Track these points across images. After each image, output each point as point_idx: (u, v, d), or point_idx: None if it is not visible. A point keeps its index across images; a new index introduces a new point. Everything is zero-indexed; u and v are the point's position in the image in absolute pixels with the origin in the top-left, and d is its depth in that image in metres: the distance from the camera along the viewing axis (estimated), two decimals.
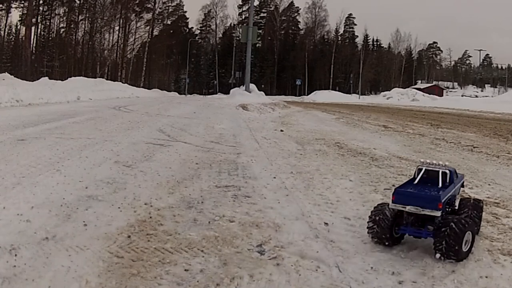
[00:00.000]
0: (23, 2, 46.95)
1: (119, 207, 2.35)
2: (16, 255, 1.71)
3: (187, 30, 61.83)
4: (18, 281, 1.54)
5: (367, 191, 3.01)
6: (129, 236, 1.96)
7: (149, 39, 54.82)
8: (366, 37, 63.88)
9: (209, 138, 5.35)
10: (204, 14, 61.85)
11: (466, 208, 2.13)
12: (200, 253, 1.84)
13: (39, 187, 2.63)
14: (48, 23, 51.26)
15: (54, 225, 2.04)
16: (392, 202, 1.95)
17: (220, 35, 62.70)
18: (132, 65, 53.73)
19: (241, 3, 61.46)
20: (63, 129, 5.33)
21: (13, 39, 52.17)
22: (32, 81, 17.28)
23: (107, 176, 3.00)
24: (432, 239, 1.86)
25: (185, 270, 1.69)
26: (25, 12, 45.58)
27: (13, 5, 48.04)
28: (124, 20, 52.73)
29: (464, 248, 1.84)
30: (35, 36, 49.16)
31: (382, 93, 51.01)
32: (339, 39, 62.67)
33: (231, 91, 20.71)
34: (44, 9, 50.73)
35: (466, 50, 71.15)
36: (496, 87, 63.70)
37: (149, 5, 56.10)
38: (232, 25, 62.27)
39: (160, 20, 58.00)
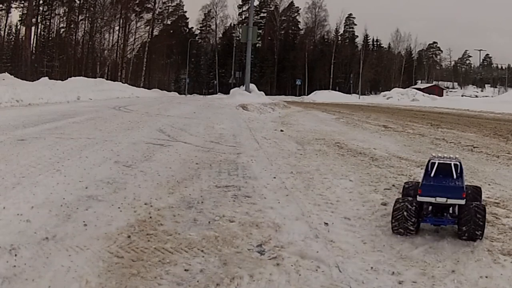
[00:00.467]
0: (23, 2, 46.96)
1: (119, 207, 2.35)
2: (16, 255, 1.71)
3: (187, 30, 61.84)
4: (18, 281, 1.54)
5: (367, 191, 3.01)
6: (129, 236, 1.96)
7: (149, 39, 54.84)
8: (366, 37, 63.91)
9: (209, 138, 5.35)
10: (204, 14, 61.89)
11: (473, 194, 2.33)
12: (200, 253, 1.84)
13: (39, 187, 2.63)
14: (48, 23, 51.28)
15: (54, 225, 2.04)
16: (419, 195, 2.12)
17: (220, 35, 62.74)
18: (132, 65, 53.75)
19: (241, 3, 61.49)
20: (63, 129, 5.33)
21: (13, 39, 52.19)
22: (32, 81, 17.28)
23: (107, 176, 3.00)
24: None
25: (185, 270, 1.69)
26: (25, 12, 45.59)
27: (13, 5, 48.07)
28: (124, 20, 52.74)
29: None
30: (35, 36, 49.18)
31: (382, 93, 51.03)
32: (339, 39, 62.70)
33: (231, 91, 20.72)
34: (44, 9, 50.76)
35: (466, 50, 71.19)
36: (496, 87, 63.69)
37: (149, 5, 56.14)
38: (232, 25, 62.30)
39: (160, 20, 58.03)
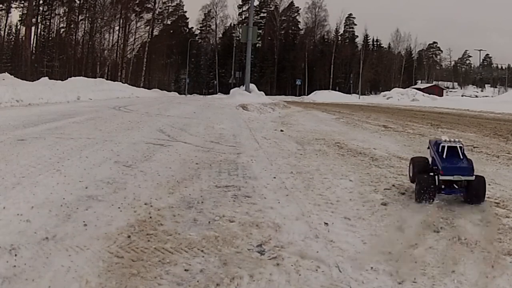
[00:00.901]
0: (23, 2, 46.99)
1: (119, 207, 2.35)
2: (16, 255, 1.71)
3: (187, 30, 61.86)
4: (18, 281, 1.54)
5: (367, 191, 3.01)
6: (129, 236, 1.96)
7: (149, 39, 54.85)
8: (366, 37, 63.93)
9: (209, 138, 5.35)
10: (204, 14, 61.91)
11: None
12: (200, 253, 1.84)
13: (39, 187, 2.63)
14: (48, 23, 51.29)
15: (54, 225, 2.04)
16: (442, 175, 2.66)
17: (220, 35, 62.75)
18: (132, 65, 53.76)
19: (241, 3, 61.52)
20: (63, 129, 5.33)
21: (13, 39, 52.20)
22: (32, 81, 17.29)
23: (107, 176, 3.00)
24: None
25: (185, 270, 1.69)
26: (25, 12, 45.64)
27: (13, 5, 48.09)
28: (124, 20, 52.76)
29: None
30: (35, 36, 49.21)
31: (382, 93, 51.05)
32: (339, 39, 62.72)
33: (231, 91, 20.74)
34: (44, 9, 50.78)
35: (466, 50, 71.15)
36: (496, 87, 63.69)
37: (149, 5, 56.17)
38: (232, 25, 62.32)
39: (160, 20, 58.06)
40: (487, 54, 70.04)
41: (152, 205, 2.42)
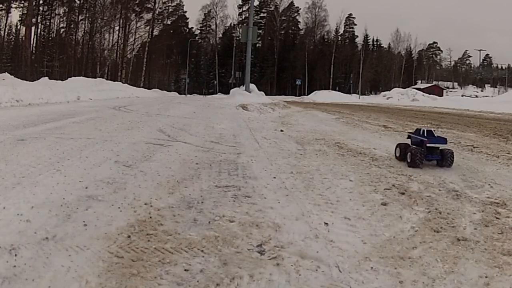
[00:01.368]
0: (23, 2, 46.98)
1: (119, 207, 2.35)
2: (16, 255, 1.71)
3: (187, 30, 61.87)
4: (18, 281, 1.54)
5: (367, 191, 3.01)
6: (129, 236, 1.96)
7: (149, 39, 54.84)
8: (366, 37, 63.96)
9: (209, 138, 5.35)
10: (204, 14, 61.93)
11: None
12: (200, 253, 1.84)
13: (39, 187, 2.63)
14: (48, 23, 51.29)
15: (54, 225, 2.04)
16: (428, 144, 3.96)
17: (220, 35, 62.77)
18: (132, 65, 53.75)
19: (241, 3, 61.53)
20: (63, 129, 5.33)
21: (13, 39, 52.21)
22: (32, 81, 17.27)
23: (107, 176, 2.99)
24: None
25: (185, 270, 1.69)
26: (25, 12, 45.61)
27: (13, 5, 48.07)
28: (124, 20, 52.75)
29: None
30: (35, 36, 49.19)
31: (382, 93, 51.03)
32: (339, 39, 62.73)
33: (231, 91, 20.73)
34: (44, 9, 50.77)
35: (466, 50, 71.23)
36: (496, 87, 63.70)
37: (149, 5, 56.16)
38: (232, 25, 62.33)
39: (160, 20, 58.05)
40: (487, 54, 70.14)
41: (152, 205, 2.42)
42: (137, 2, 54.40)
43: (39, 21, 49.94)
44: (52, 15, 51.07)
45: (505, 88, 59.56)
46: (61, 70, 45.72)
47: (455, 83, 70.07)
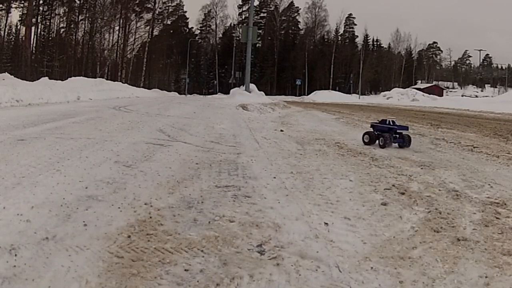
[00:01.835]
0: (23, 2, 46.98)
1: (119, 207, 2.35)
2: (16, 255, 1.71)
3: (187, 30, 61.87)
4: (18, 281, 1.54)
5: (367, 191, 3.01)
6: (129, 236, 1.96)
7: (149, 39, 54.84)
8: (366, 37, 63.98)
9: (209, 138, 5.35)
10: (204, 14, 61.94)
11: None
12: (200, 253, 1.84)
13: (39, 187, 2.63)
14: (48, 23, 51.29)
15: (54, 225, 2.04)
16: (396, 131, 5.25)
17: (220, 35, 62.78)
18: (132, 65, 53.75)
19: (241, 3, 61.54)
20: (63, 129, 5.32)
21: (13, 39, 52.21)
22: (32, 81, 17.26)
23: (107, 176, 2.99)
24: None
25: (185, 270, 1.69)
26: (25, 12, 45.60)
27: (13, 5, 48.08)
28: (124, 20, 52.75)
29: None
30: (35, 36, 49.19)
31: (382, 93, 51.04)
32: (339, 39, 62.74)
33: (231, 91, 20.73)
34: (44, 9, 50.77)
35: (466, 50, 71.24)
36: (496, 87, 63.70)
37: (149, 5, 56.16)
38: (232, 25, 62.34)
39: (160, 20, 58.05)
40: (487, 54, 70.15)
41: (152, 205, 2.42)
42: (137, 2, 54.40)
43: (39, 21, 49.94)
44: (52, 15, 51.08)
45: (505, 88, 59.57)
46: (61, 70, 45.72)
47: (455, 83, 70.08)
